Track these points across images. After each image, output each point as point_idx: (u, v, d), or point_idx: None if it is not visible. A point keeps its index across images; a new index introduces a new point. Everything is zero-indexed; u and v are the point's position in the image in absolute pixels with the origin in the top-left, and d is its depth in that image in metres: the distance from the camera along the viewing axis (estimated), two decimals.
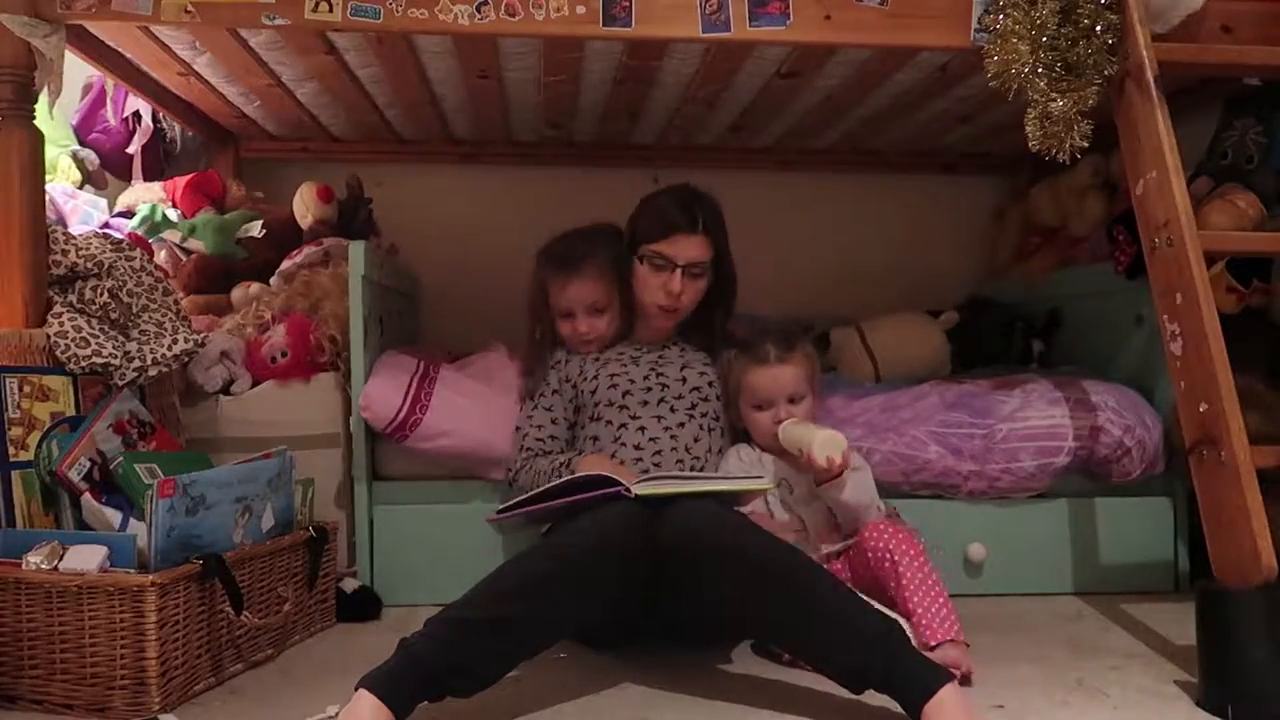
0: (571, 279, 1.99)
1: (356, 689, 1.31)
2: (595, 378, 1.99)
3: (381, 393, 2.03)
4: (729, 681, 1.61)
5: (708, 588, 1.48)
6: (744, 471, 1.88)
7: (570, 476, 1.63)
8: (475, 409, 2.07)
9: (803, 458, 1.76)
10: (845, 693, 1.41)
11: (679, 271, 1.93)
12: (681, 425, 1.92)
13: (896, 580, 1.66)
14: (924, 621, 1.61)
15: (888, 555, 1.68)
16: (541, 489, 1.62)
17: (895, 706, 1.36)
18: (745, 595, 1.45)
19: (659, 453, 1.88)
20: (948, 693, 1.31)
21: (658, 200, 2.01)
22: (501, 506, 1.70)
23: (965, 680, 1.55)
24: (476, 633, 1.37)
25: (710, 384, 1.98)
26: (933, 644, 1.58)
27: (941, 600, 1.63)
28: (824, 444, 1.72)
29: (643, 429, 1.91)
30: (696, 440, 1.92)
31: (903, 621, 1.51)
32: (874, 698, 1.39)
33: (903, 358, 2.52)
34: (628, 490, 1.50)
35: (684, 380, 1.97)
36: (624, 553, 1.47)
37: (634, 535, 1.47)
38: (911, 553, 1.68)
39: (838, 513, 1.82)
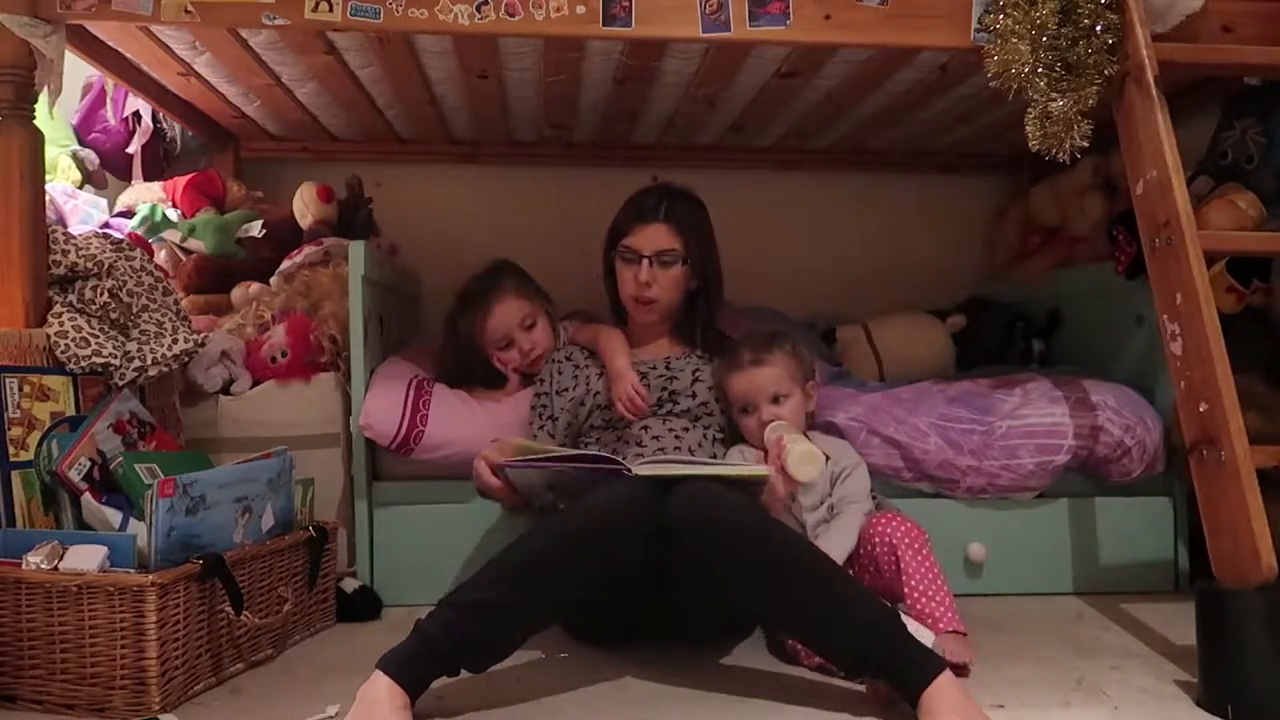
0: (493, 306, 2.10)
1: (375, 669, 1.37)
2: (609, 391, 1.96)
3: (380, 411, 2.03)
4: (730, 677, 1.61)
5: (710, 567, 1.48)
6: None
7: (575, 452, 1.64)
8: (474, 414, 2.07)
9: (774, 451, 1.72)
10: (846, 688, 1.41)
11: (645, 261, 1.95)
12: (686, 430, 1.94)
13: (899, 571, 1.66)
14: (925, 613, 1.61)
15: (891, 547, 1.68)
16: (551, 454, 1.63)
17: (894, 708, 1.37)
18: (747, 575, 1.46)
19: (661, 450, 1.89)
20: (945, 680, 1.33)
21: (629, 199, 2.05)
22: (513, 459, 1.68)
23: (963, 672, 1.55)
24: (486, 612, 1.42)
25: (717, 399, 1.98)
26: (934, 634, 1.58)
27: (943, 592, 1.64)
28: (800, 458, 1.64)
29: (646, 428, 1.92)
30: (700, 445, 1.93)
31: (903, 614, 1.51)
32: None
33: (908, 357, 2.52)
34: (628, 470, 1.52)
35: (694, 395, 1.97)
36: (627, 530, 1.48)
37: (637, 512, 1.48)
38: (916, 545, 1.68)
39: None
